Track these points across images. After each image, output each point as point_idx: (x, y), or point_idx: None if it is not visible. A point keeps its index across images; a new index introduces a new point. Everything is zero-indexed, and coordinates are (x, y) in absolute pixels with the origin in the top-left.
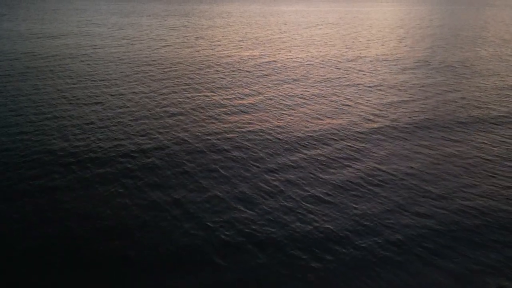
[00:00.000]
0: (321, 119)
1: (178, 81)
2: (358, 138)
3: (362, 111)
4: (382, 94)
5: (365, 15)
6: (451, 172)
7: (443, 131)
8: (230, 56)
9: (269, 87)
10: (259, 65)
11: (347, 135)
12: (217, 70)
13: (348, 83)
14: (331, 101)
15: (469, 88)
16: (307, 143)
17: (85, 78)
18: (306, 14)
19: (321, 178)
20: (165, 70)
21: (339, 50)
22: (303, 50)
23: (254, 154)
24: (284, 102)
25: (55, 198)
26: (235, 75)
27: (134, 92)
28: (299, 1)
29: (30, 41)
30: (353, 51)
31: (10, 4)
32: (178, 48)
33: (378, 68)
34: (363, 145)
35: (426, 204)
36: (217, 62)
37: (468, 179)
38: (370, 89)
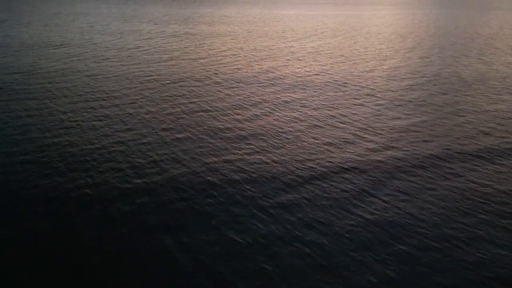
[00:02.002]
0: (326, 149)
1: (177, 99)
2: (364, 172)
3: (370, 140)
4: (391, 118)
5: (366, 21)
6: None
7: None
8: (229, 72)
9: (271, 109)
10: (260, 83)
11: (353, 168)
12: (217, 88)
13: (352, 105)
14: (334, 126)
15: (483, 108)
16: (309, 177)
17: (85, 94)
18: (306, 19)
19: (326, 222)
20: (166, 86)
21: (343, 64)
22: (304, 66)
23: (255, 186)
24: (287, 128)
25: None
26: (235, 93)
27: (134, 110)
28: (298, 4)
29: (31, 51)
30: (356, 65)
31: (11, 8)
32: (179, 61)
33: (386, 86)
34: (372, 179)
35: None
36: (216, 78)
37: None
38: (377, 111)
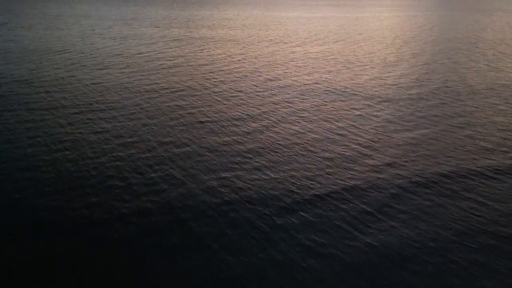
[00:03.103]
0: (326, 165)
1: (176, 110)
2: (366, 191)
3: (371, 156)
4: (394, 131)
5: (367, 24)
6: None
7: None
8: (229, 81)
9: (270, 121)
10: (260, 93)
11: (355, 187)
12: (216, 99)
13: (354, 116)
14: (336, 141)
15: (492, 119)
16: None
17: (83, 104)
18: (307, 22)
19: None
20: (165, 96)
21: (344, 73)
22: (305, 74)
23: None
24: (287, 143)
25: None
26: (234, 104)
27: (132, 122)
28: (299, 6)
29: (30, 58)
30: (358, 72)
31: (12, 10)
32: (179, 70)
33: (389, 96)
34: (374, 199)
35: None
36: (216, 88)
37: None
38: (379, 123)
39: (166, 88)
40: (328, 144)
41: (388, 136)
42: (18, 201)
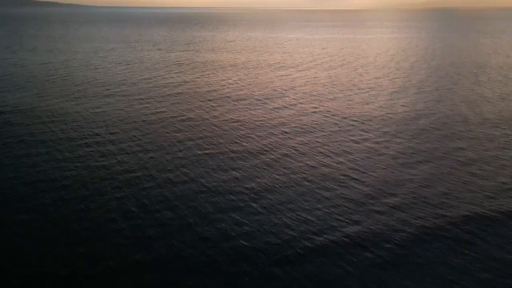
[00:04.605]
0: (327, 212)
1: (175, 136)
2: (372, 245)
3: (373, 200)
4: (395, 168)
5: (365, 46)
6: None
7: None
8: (229, 111)
9: (270, 159)
10: (258, 126)
11: (358, 239)
12: (215, 129)
13: (354, 152)
14: (344, 185)
15: (499, 157)
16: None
17: (84, 131)
18: (306, 44)
19: None
20: (164, 122)
21: (342, 103)
22: (301, 103)
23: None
24: (286, 186)
25: None
26: (233, 135)
27: (132, 149)
28: (297, 27)
29: (35, 83)
30: (359, 104)
31: (17, 31)
32: (179, 97)
33: (391, 129)
34: (379, 253)
35: None
36: (214, 117)
37: None
38: (380, 162)
39: (168, 118)
40: (333, 184)
41: (395, 174)
42: (16, 243)
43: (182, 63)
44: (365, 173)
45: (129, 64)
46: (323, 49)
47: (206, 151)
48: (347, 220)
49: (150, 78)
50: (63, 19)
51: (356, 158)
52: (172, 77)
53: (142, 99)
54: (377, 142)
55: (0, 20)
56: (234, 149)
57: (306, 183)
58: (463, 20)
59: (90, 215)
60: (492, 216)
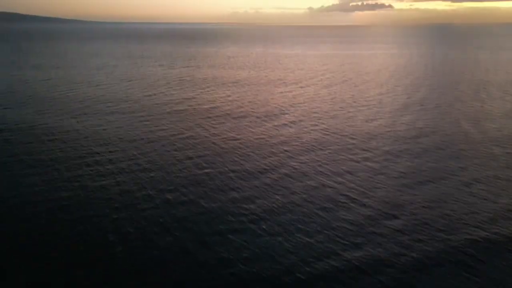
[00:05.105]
0: (329, 246)
1: (175, 155)
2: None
3: (376, 238)
4: (396, 195)
5: (366, 62)
6: None
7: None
8: (230, 130)
9: (270, 180)
10: (258, 146)
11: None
12: (214, 149)
13: (356, 180)
14: (349, 208)
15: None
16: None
17: (89, 155)
18: (306, 60)
19: None
20: (164, 140)
21: (342, 123)
22: (301, 121)
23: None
24: (285, 211)
25: None
26: (233, 154)
27: (130, 169)
28: (299, 43)
29: (38, 100)
30: (360, 124)
31: (23, 48)
32: (181, 115)
33: (405, 152)
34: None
35: None
36: (215, 136)
37: None
38: (395, 187)
39: (168, 136)
40: (333, 205)
41: (396, 195)
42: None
43: (184, 79)
44: (366, 194)
45: (131, 81)
46: (323, 65)
47: (206, 170)
48: (347, 244)
49: (151, 95)
50: (68, 35)
51: (357, 178)
52: (173, 94)
53: (142, 116)
54: (377, 162)
55: (4, 35)
56: (234, 168)
57: (306, 204)
58: (461, 36)
59: (86, 238)
60: (494, 239)
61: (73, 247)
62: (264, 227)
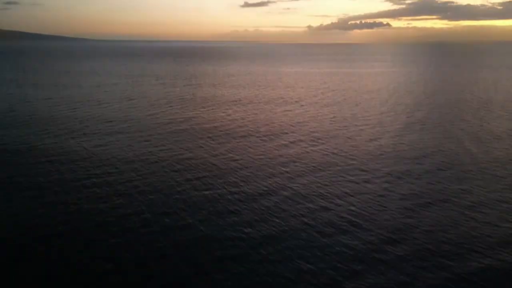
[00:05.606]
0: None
1: (174, 177)
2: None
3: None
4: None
5: (370, 80)
6: None
7: None
8: (232, 151)
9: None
10: (258, 169)
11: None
12: (214, 170)
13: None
14: (354, 234)
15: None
16: None
17: (88, 178)
18: (305, 78)
19: None
20: (164, 161)
21: (342, 145)
22: (300, 140)
23: None
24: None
25: None
26: (238, 181)
27: (129, 192)
28: (299, 60)
29: (37, 120)
30: (370, 144)
31: (23, 65)
32: (184, 136)
33: (409, 175)
34: None
35: None
36: (214, 156)
37: None
38: (399, 210)
39: (167, 157)
40: (334, 229)
41: (398, 220)
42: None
43: (184, 98)
44: (366, 217)
45: (132, 100)
46: (323, 83)
47: (205, 192)
48: (349, 271)
49: (152, 115)
50: (70, 52)
51: (357, 201)
52: (174, 113)
53: (142, 136)
54: (378, 183)
55: (6, 53)
56: (233, 190)
57: (306, 228)
58: (459, 54)
59: (81, 264)
60: (498, 266)
61: (68, 272)
62: (264, 253)
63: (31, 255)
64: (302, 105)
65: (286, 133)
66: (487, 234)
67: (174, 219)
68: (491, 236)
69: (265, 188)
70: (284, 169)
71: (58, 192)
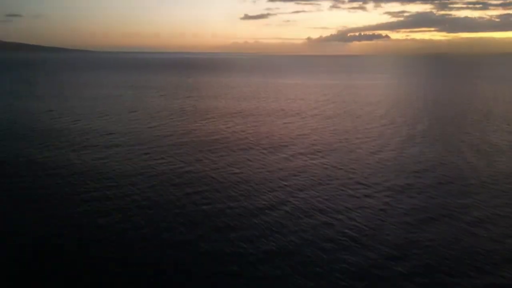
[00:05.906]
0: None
1: (174, 194)
2: None
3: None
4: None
5: (371, 92)
6: None
7: None
8: (232, 165)
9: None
10: (257, 186)
11: None
12: (215, 188)
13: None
14: (355, 253)
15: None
16: None
17: (87, 192)
18: (305, 90)
19: None
20: (171, 182)
21: (343, 159)
22: (300, 153)
23: None
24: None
25: None
26: (239, 196)
27: (138, 216)
28: (299, 72)
29: (37, 133)
30: (371, 158)
31: (25, 77)
32: (185, 150)
33: (411, 189)
34: None
35: None
36: (219, 174)
37: None
38: (402, 227)
39: (167, 171)
40: (334, 246)
41: (399, 236)
42: None
43: (185, 110)
44: (367, 233)
45: (133, 112)
46: (323, 95)
47: (204, 207)
48: None
49: (152, 127)
50: (72, 64)
51: (358, 216)
52: (174, 126)
53: (142, 149)
54: (379, 198)
55: (8, 65)
56: (233, 205)
57: (307, 244)
58: (458, 65)
59: (79, 282)
60: (502, 283)
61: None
62: (264, 270)
63: (29, 269)
64: (303, 117)
65: (287, 146)
66: (490, 250)
67: (173, 234)
68: (494, 253)
69: (265, 203)
70: (284, 183)
71: (57, 205)
